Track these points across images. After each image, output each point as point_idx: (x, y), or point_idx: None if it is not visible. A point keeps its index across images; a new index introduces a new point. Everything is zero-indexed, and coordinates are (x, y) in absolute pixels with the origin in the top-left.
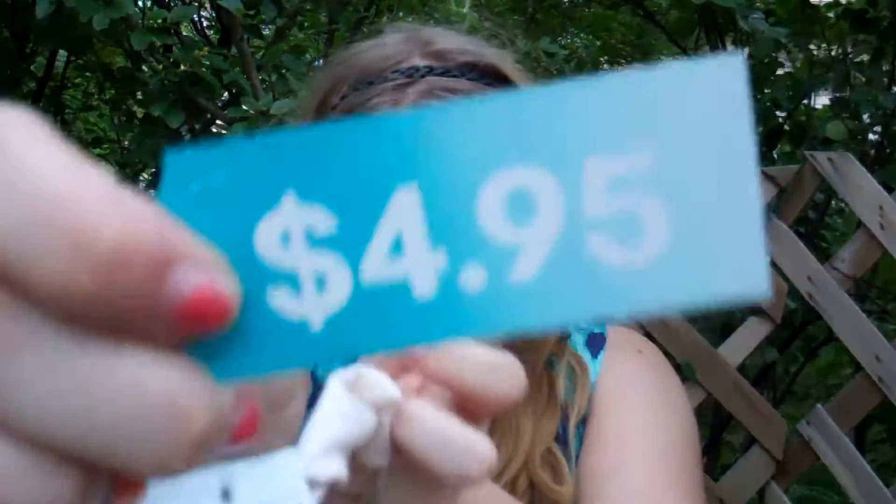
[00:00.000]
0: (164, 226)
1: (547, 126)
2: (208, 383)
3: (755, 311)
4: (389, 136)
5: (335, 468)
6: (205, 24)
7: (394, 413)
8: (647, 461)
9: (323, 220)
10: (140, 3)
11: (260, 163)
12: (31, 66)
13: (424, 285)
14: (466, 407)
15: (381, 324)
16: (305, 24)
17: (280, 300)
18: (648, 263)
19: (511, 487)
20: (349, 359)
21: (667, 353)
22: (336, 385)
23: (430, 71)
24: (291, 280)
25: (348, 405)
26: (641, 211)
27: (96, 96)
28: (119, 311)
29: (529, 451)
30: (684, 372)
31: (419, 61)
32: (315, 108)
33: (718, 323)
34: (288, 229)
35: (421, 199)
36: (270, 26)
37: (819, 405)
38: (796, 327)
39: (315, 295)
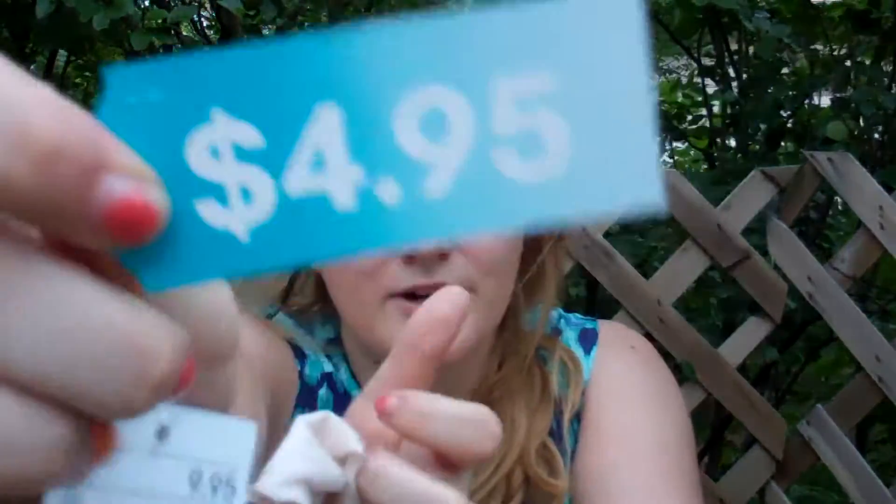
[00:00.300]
0: (98, 132)
1: (458, 49)
2: (171, 325)
3: (755, 310)
4: (311, 56)
5: (294, 494)
6: (205, 24)
7: (358, 468)
8: (643, 458)
9: (249, 136)
10: (140, 3)
11: (192, 80)
12: (31, 66)
13: (344, 198)
14: (441, 460)
15: (304, 234)
16: (305, 24)
17: (209, 211)
18: (551, 178)
19: (507, 482)
20: (276, 270)
21: (667, 353)
22: (301, 426)
23: None
24: (219, 192)
25: (310, 448)
26: (544, 129)
27: (96, 96)
28: (55, 209)
29: (524, 445)
30: (684, 372)
31: None
32: None
33: (718, 323)
34: (217, 143)
35: (340, 116)
36: (270, 26)
37: (819, 405)
38: (796, 327)
39: (242, 206)
